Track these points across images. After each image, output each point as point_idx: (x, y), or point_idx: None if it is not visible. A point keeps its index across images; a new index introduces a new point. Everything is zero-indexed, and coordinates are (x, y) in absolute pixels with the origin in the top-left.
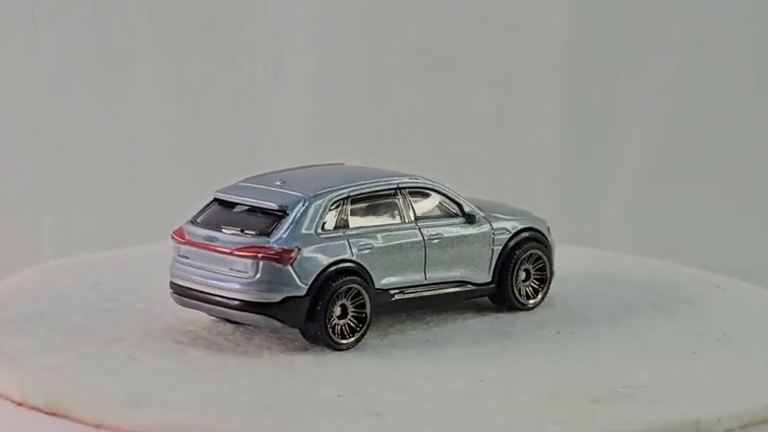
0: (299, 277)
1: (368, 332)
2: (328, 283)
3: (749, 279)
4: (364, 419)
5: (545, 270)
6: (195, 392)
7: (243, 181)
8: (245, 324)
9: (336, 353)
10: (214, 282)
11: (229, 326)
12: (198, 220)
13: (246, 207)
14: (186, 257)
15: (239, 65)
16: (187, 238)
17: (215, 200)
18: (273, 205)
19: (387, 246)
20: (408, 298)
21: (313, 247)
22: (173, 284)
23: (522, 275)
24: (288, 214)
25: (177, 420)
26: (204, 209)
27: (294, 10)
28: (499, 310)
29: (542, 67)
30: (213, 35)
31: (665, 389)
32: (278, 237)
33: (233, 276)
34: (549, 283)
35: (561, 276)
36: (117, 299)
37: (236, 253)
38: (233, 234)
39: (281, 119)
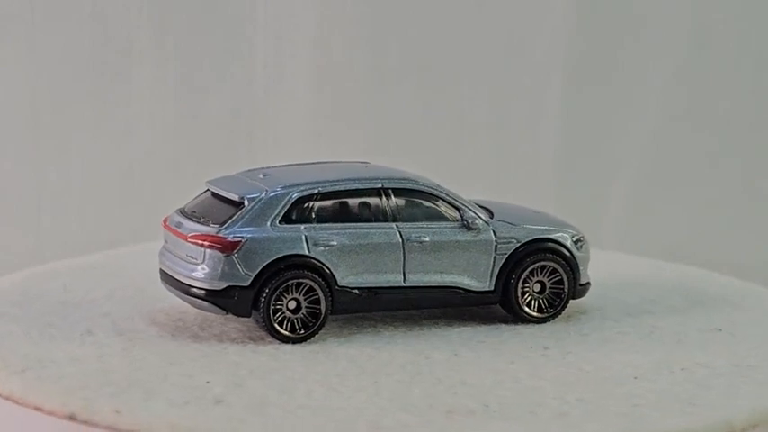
0: (243, 267)
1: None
2: (276, 276)
3: (749, 279)
4: (205, 406)
5: (562, 284)
6: (89, 366)
7: (241, 173)
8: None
9: (276, 345)
10: (176, 266)
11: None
12: (184, 207)
13: (219, 197)
14: (166, 242)
15: (239, 65)
16: (167, 223)
17: (207, 189)
18: (235, 196)
19: (354, 244)
20: (382, 299)
21: (264, 239)
22: (159, 269)
23: (537, 287)
24: (245, 206)
25: (33, 389)
26: (196, 197)
27: (294, 10)
28: (506, 320)
29: (542, 67)
30: (213, 35)
31: (530, 408)
32: (227, 227)
33: (188, 262)
34: (568, 297)
35: None
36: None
37: (189, 240)
38: (195, 221)
39: (281, 119)
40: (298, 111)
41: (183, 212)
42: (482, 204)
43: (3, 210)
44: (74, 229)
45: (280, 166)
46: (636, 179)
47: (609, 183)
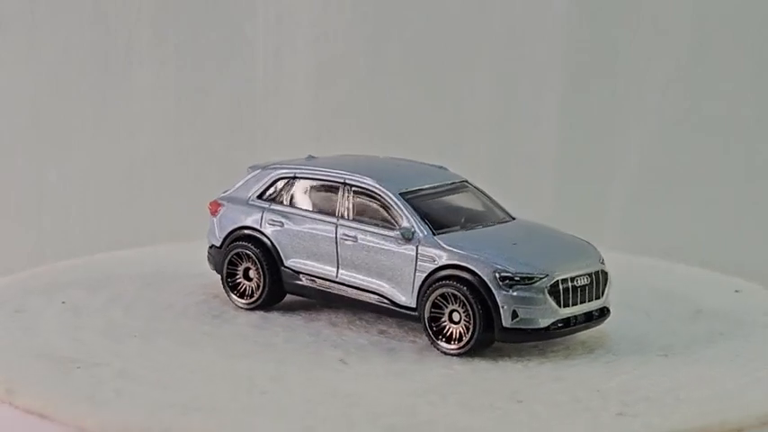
0: (218, 230)
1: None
2: (234, 241)
3: (749, 279)
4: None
5: (471, 317)
6: (53, 332)
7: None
8: None
9: (231, 314)
10: None
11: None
12: None
13: None
14: None
15: (239, 65)
16: None
17: None
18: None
19: (297, 229)
20: (319, 288)
21: (236, 208)
22: None
23: (456, 317)
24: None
25: None
26: None
27: (294, 10)
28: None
29: (542, 67)
30: (213, 35)
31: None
32: (226, 193)
33: None
34: (473, 336)
35: None
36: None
37: None
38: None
39: (281, 119)
40: (298, 111)
41: None
42: (510, 215)
43: (3, 210)
44: (75, 230)
45: (351, 155)
46: (636, 179)
47: (609, 183)
